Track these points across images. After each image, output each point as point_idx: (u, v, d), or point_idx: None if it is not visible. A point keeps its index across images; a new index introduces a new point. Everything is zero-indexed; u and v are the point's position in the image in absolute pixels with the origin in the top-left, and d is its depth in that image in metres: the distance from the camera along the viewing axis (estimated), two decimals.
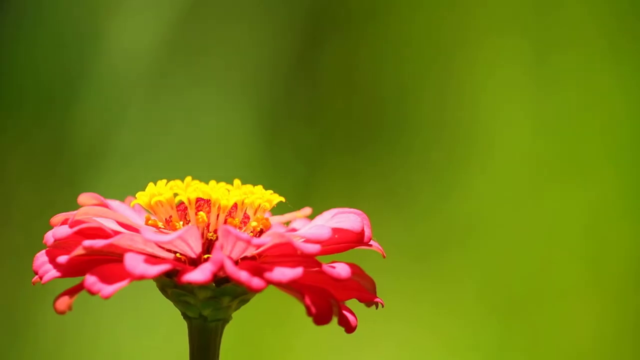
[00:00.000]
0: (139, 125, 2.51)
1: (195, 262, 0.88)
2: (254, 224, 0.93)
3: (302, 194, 2.47)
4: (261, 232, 0.94)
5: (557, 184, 2.47)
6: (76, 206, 0.93)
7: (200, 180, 0.96)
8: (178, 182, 0.94)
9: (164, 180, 0.95)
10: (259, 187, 0.95)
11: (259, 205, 0.94)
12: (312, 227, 0.92)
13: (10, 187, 2.45)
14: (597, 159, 2.47)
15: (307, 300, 0.85)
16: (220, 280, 0.90)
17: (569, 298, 2.37)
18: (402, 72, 2.61)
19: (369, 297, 0.93)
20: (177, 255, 0.89)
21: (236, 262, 0.87)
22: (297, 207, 1.05)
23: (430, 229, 2.48)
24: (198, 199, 0.91)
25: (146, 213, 0.95)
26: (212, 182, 0.95)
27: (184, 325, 0.94)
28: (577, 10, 2.52)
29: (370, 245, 0.95)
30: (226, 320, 0.93)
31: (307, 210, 1.02)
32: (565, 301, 2.37)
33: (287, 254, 0.88)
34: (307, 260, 0.87)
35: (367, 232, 0.93)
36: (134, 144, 2.50)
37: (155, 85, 2.53)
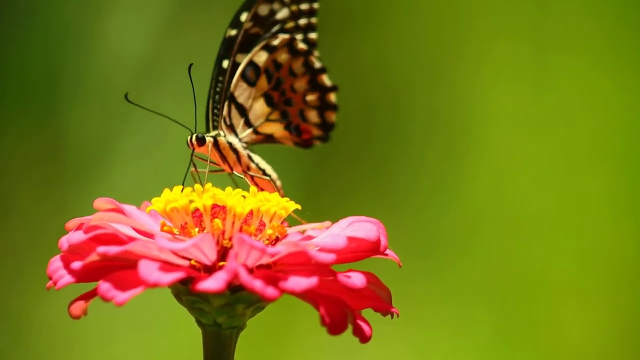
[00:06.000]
0: (140, 126, 2.51)
1: (210, 270, 0.88)
2: (269, 231, 0.93)
3: (298, 195, 2.47)
4: (277, 240, 0.93)
5: (556, 182, 2.46)
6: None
7: (216, 187, 0.95)
8: (197, 186, 0.94)
9: (180, 186, 0.94)
10: (275, 195, 0.95)
11: (275, 213, 0.93)
12: (327, 236, 0.92)
13: (9, 189, 2.45)
14: (595, 156, 2.46)
15: (322, 310, 0.84)
16: (235, 287, 0.89)
17: (571, 295, 2.36)
18: (397, 73, 2.61)
19: (384, 307, 0.92)
20: (192, 262, 0.88)
21: (251, 271, 0.87)
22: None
23: (426, 229, 2.48)
24: (214, 206, 0.91)
25: (161, 219, 0.95)
26: (228, 189, 0.95)
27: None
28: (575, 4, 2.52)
29: (387, 255, 0.94)
30: (241, 327, 0.93)
31: (327, 223, 1.01)
32: (567, 298, 2.36)
33: (302, 262, 0.87)
34: (322, 269, 0.86)
35: (383, 242, 0.92)
36: (135, 146, 2.49)
37: (156, 85, 2.53)
